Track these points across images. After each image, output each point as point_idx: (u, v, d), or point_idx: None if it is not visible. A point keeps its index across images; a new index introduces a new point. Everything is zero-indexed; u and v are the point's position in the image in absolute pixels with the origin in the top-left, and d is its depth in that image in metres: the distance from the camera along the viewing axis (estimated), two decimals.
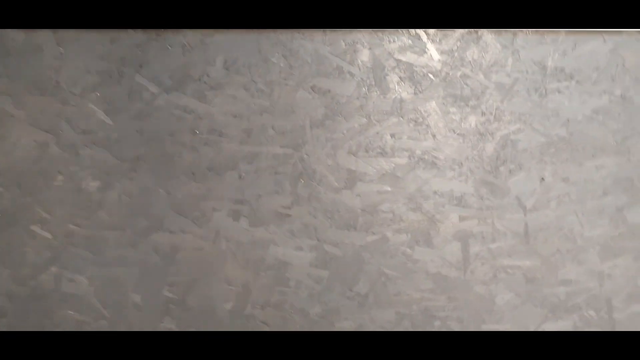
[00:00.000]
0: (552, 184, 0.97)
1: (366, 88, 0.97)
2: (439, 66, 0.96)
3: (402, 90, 0.96)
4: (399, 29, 0.94)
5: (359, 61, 0.97)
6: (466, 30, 0.95)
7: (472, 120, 0.97)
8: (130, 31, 0.96)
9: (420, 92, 0.96)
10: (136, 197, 1.03)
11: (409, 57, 0.97)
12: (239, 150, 1.01)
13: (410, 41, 0.96)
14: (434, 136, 0.97)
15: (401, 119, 0.97)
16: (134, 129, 1.01)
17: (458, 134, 0.97)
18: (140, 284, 1.10)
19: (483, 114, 0.97)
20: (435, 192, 0.99)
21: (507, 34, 0.95)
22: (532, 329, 1.08)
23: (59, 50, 0.97)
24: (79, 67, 0.98)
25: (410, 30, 0.95)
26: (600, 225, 0.98)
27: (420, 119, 0.97)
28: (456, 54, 0.97)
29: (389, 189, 0.99)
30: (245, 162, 1.00)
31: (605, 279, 1.01)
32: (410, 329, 1.12)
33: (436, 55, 0.96)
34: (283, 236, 1.05)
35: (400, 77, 0.96)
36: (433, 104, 0.96)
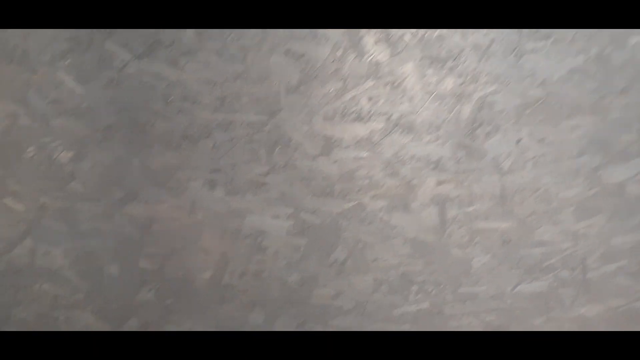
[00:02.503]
0: (528, 145, 0.98)
1: (341, 51, 0.96)
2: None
3: (378, 53, 0.95)
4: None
5: None
6: None
7: (449, 82, 0.96)
8: None
9: (396, 54, 0.95)
10: (110, 167, 1.01)
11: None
12: (213, 118, 0.99)
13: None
14: (410, 99, 0.97)
15: (377, 82, 0.96)
16: (106, 98, 0.98)
17: (435, 97, 0.96)
18: (117, 256, 1.09)
19: (460, 75, 0.96)
20: (412, 157, 0.99)
21: None
22: (508, 290, 1.09)
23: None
24: (47, 34, 0.96)
25: None
26: (576, 185, 0.99)
27: (397, 82, 0.97)
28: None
29: (365, 154, 0.99)
30: (220, 130, 0.99)
31: (579, 239, 1.03)
32: (388, 294, 1.13)
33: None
34: (260, 205, 1.04)
35: (375, 40, 0.95)
36: (410, 66, 0.96)
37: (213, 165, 1.01)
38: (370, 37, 0.95)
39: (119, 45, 0.96)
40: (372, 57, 0.96)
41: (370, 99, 0.97)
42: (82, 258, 1.09)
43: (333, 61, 0.95)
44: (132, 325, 1.17)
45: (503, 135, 0.97)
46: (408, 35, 0.96)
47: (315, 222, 1.06)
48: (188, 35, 0.96)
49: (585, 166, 0.99)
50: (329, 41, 0.96)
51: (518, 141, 0.98)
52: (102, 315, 1.15)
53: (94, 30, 0.96)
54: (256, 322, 1.17)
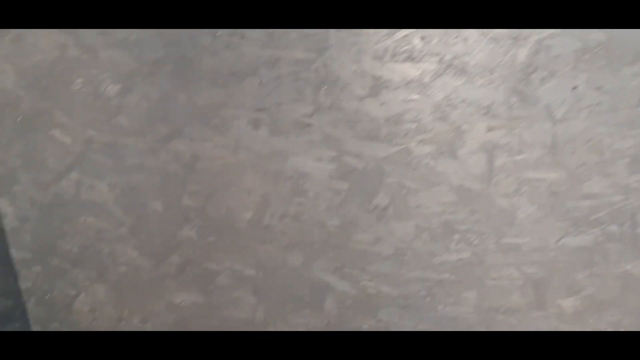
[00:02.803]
0: (584, 92, 0.94)
1: None
2: None
3: None
4: None
5: None
6: None
7: None
8: None
9: None
10: (156, 102, 1.01)
11: None
12: (260, 54, 0.98)
13: None
14: (465, 40, 0.93)
15: None
16: (154, 31, 0.98)
17: (490, 39, 0.93)
18: (160, 193, 1.10)
19: None
20: (463, 101, 0.96)
21: None
22: (552, 242, 1.07)
23: None
24: None
25: None
26: (631, 136, 0.96)
27: None
28: None
29: (415, 97, 0.96)
30: (267, 67, 0.97)
31: (631, 193, 1.00)
32: (429, 241, 1.12)
33: None
34: (303, 146, 1.04)
35: None
36: None
37: (258, 104, 1.00)
38: None
39: None
40: None
41: (422, 38, 0.94)
42: (127, 193, 1.10)
43: None
44: (173, 261, 1.19)
45: (558, 81, 0.94)
46: None
47: (359, 166, 1.05)
48: None
49: None
50: None
51: (574, 88, 0.94)
52: (145, 250, 1.18)
53: None
54: (294, 263, 1.18)
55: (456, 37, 0.93)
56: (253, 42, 0.97)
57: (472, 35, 0.92)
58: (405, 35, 0.94)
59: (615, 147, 0.97)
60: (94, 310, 1.25)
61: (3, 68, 1.01)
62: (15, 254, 1.17)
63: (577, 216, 1.03)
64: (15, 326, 1.20)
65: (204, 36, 0.97)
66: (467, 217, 1.09)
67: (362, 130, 1.01)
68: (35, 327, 1.28)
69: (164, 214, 1.13)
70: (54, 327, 1.28)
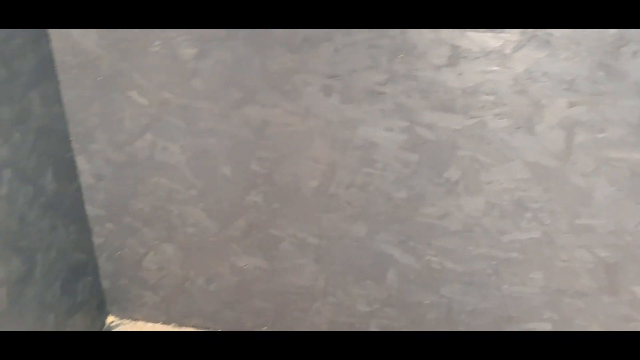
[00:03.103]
0: None
1: None
2: None
3: None
4: None
5: None
6: None
7: None
8: None
9: None
10: (230, 66, 1.01)
11: None
12: None
13: None
14: None
15: None
16: None
17: None
18: (230, 157, 1.11)
19: None
20: (544, 74, 0.93)
21: None
22: (630, 226, 1.03)
23: None
24: None
25: None
26: None
27: None
28: None
29: (494, 68, 0.93)
30: (342, 33, 0.96)
31: None
32: (499, 218, 1.09)
33: None
34: (374, 115, 1.02)
35: None
36: None
37: (331, 71, 0.99)
38: None
39: None
40: None
41: None
42: (198, 156, 1.12)
43: None
44: (239, 225, 1.21)
45: None
46: None
47: (431, 138, 1.03)
48: None
49: None
50: None
51: None
52: (212, 213, 1.20)
53: None
54: (358, 234, 1.18)
55: None
56: None
57: None
58: None
59: None
60: (162, 269, 1.29)
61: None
62: (90, 210, 1.21)
63: None
64: (87, 280, 1.25)
65: None
66: (540, 195, 1.06)
67: (436, 100, 0.98)
68: (104, 283, 1.34)
69: (232, 179, 1.14)
70: (123, 283, 1.33)
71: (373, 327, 1.31)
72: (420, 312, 1.26)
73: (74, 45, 1.03)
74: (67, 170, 1.12)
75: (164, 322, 1.39)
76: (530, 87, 0.94)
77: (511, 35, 0.90)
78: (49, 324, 1.11)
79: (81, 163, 1.14)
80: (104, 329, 1.37)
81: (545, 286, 1.17)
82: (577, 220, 1.06)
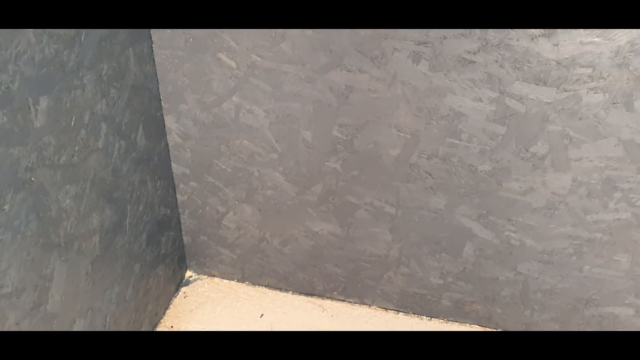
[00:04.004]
0: None
1: None
2: None
3: None
4: None
5: None
6: None
7: None
8: None
9: None
10: (319, 30, 1.01)
11: None
12: None
13: None
14: None
15: None
16: None
17: None
18: (313, 122, 1.12)
19: None
20: None
21: None
22: None
23: None
24: None
25: None
26: None
27: None
28: None
29: (595, 39, 0.89)
30: None
31: None
32: (585, 197, 1.06)
33: None
34: (463, 85, 1.00)
35: None
36: None
37: (421, 37, 0.97)
38: None
39: None
40: None
41: None
42: (281, 120, 1.14)
43: None
44: (316, 191, 1.22)
45: None
46: None
47: (520, 110, 1.00)
48: None
49: None
50: None
51: None
52: (291, 177, 1.22)
53: None
54: (437, 206, 1.17)
55: None
56: None
57: None
58: None
59: None
60: (240, 228, 1.33)
61: None
62: (176, 169, 1.26)
63: None
64: (170, 234, 1.31)
65: None
66: (632, 175, 1.01)
67: (529, 72, 0.95)
68: (186, 238, 1.39)
69: (313, 144, 1.15)
70: (203, 239, 1.38)
71: (445, 300, 1.31)
72: (495, 288, 1.25)
73: None
74: (157, 129, 1.16)
75: (239, 280, 1.44)
76: (633, 61, 0.89)
77: None
78: (135, 273, 1.17)
79: (169, 122, 1.18)
80: (183, 282, 1.43)
81: (629, 270, 1.13)
82: None
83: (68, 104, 0.87)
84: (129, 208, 1.10)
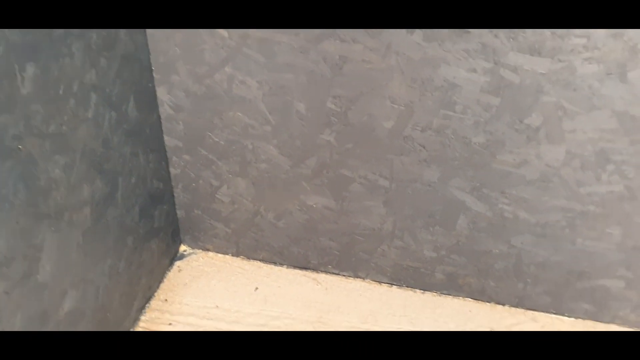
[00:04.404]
0: None
1: None
2: None
3: None
4: None
5: None
6: None
7: None
8: None
9: None
10: None
11: None
12: None
13: None
14: None
15: None
16: None
17: None
18: (306, 93, 1.11)
19: None
20: None
21: None
22: None
23: None
24: None
25: None
26: None
27: None
28: None
29: None
30: None
31: None
32: (579, 169, 1.06)
33: None
34: (457, 55, 0.99)
35: None
36: None
37: None
38: None
39: None
40: None
41: None
42: (275, 91, 1.12)
43: None
44: (310, 164, 1.22)
45: None
46: None
47: (514, 81, 0.99)
48: None
49: None
50: None
51: None
52: (285, 150, 1.21)
53: None
54: (430, 178, 1.17)
55: None
56: None
57: None
58: None
59: None
60: (234, 202, 1.33)
61: None
62: (168, 141, 1.25)
63: None
64: (163, 208, 1.30)
65: None
66: (626, 147, 1.01)
67: (524, 42, 0.94)
68: (179, 212, 1.39)
69: (307, 116, 1.14)
70: (197, 213, 1.38)
71: (438, 273, 1.31)
72: (488, 262, 1.25)
73: None
74: (148, 100, 1.15)
75: (233, 254, 1.44)
76: (628, 31, 0.88)
77: None
78: (128, 246, 1.16)
79: (161, 94, 1.17)
80: (177, 257, 1.43)
81: (621, 242, 1.13)
82: None
83: (56, 72, 0.86)
84: (120, 180, 1.10)
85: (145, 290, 1.30)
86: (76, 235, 0.98)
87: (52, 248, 0.92)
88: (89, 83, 0.95)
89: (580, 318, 1.30)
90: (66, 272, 0.97)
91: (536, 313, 1.31)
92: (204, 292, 1.34)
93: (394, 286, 1.38)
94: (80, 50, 0.91)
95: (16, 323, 0.86)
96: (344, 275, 1.40)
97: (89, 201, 1.00)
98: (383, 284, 1.38)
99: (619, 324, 1.28)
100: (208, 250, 1.45)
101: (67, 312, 0.99)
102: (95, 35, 0.94)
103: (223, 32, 1.07)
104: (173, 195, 1.34)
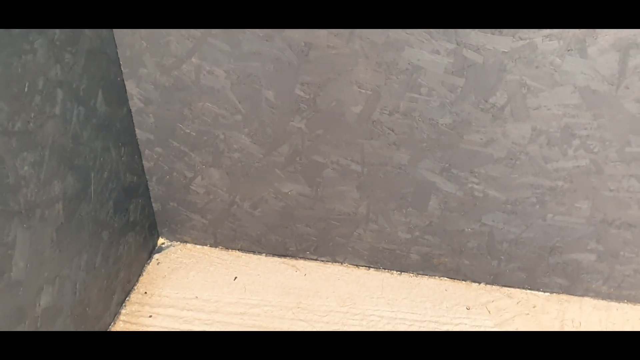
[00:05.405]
0: None
1: None
2: None
3: None
4: None
5: None
6: None
7: None
8: None
9: None
10: None
11: None
12: None
13: None
14: None
15: None
16: None
17: None
18: (274, 81, 1.12)
19: None
20: None
21: None
22: None
23: None
24: None
25: None
26: None
27: None
28: None
29: None
30: None
31: None
32: (545, 146, 1.07)
33: None
34: (420, 37, 1.00)
35: None
36: None
37: None
38: None
39: None
40: None
41: None
42: (243, 80, 1.13)
43: None
44: (282, 151, 1.22)
45: None
46: None
47: (478, 61, 1.00)
48: None
49: None
50: None
51: None
52: (257, 139, 1.22)
53: None
54: (400, 161, 1.18)
55: None
56: None
57: None
58: None
59: None
60: (209, 193, 1.33)
61: None
62: (140, 134, 1.25)
63: None
64: (139, 202, 1.31)
65: None
66: (590, 121, 1.03)
67: None
68: (155, 205, 1.39)
69: (276, 104, 1.15)
70: (172, 206, 1.38)
71: (413, 254, 1.33)
72: (462, 240, 1.27)
73: None
74: (118, 94, 1.15)
75: (211, 245, 1.45)
76: None
77: None
78: (104, 241, 1.17)
79: (130, 87, 1.17)
80: (155, 250, 1.44)
81: (590, 216, 1.15)
82: (627, 149, 1.03)
83: (19, 69, 0.86)
84: (92, 175, 1.10)
85: (124, 284, 1.30)
86: (49, 232, 0.98)
87: (25, 245, 0.92)
88: (55, 79, 0.95)
89: (554, 293, 1.32)
90: (40, 268, 0.97)
91: (511, 289, 1.33)
92: (183, 284, 1.35)
93: (372, 269, 1.40)
94: (43, 46, 0.91)
95: None
96: (322, 261, 1.42)
97: (60, 197, 1.00)
98: (360, 267, 1.40)
99: (592, 297, 1.31)
100: (186, 242, 1.46)
101: (45, 308, 0.99)
102: (58, 31, 0.94)
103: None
104: (148, 189, 1.35)
